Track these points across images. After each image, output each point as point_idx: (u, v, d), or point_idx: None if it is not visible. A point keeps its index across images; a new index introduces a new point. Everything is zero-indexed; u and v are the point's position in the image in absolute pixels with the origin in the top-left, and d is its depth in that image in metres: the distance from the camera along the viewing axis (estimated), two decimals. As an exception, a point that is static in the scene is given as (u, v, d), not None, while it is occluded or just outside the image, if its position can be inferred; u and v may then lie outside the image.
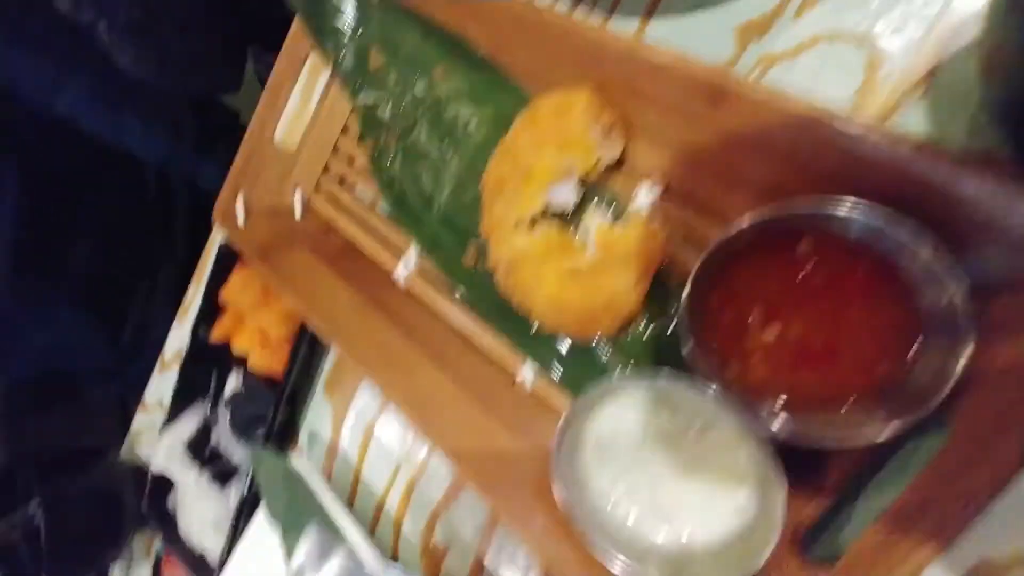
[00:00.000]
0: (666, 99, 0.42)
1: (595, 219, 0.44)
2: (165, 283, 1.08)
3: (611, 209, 0.46)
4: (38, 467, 0.80)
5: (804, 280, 0.37)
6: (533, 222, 0.46)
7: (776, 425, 0.36)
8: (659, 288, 0.44)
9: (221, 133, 1.05)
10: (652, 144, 0.45)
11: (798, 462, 0.38)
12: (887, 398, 0.35)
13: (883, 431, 0.33)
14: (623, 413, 0.42)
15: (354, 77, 0.59)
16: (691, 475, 0.40)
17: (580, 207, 0.47)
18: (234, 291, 0.63)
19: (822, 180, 0.37)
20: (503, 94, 0.51)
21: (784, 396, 0.37)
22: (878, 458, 0.38)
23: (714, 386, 0.37)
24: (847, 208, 0.33)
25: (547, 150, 0.44)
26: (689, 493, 0.40)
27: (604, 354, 0.46)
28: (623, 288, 0.41)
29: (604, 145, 0.44)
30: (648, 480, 0.41)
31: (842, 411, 0.36)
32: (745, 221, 0.35)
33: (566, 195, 0.45)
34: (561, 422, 0.40)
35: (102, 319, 1.06)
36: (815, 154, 0.36)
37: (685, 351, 0.37)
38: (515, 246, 0.44)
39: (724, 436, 0.39)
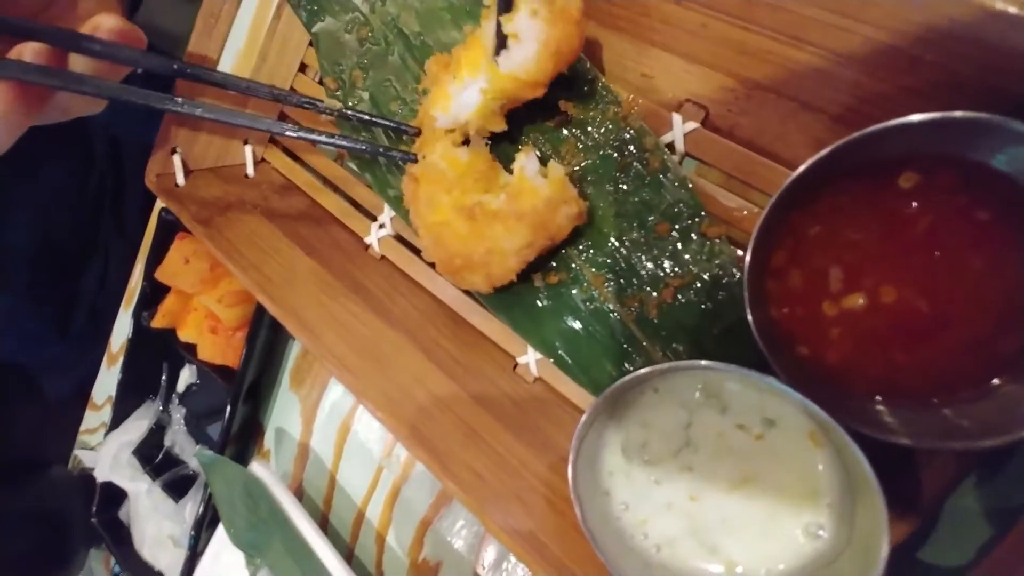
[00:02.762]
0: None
1: (529, 161, 0.35)
2: (119, 265, 0.97)
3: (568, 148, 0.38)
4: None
5: (904, 227, 0.27)
6: (464, 136, 0.37)
7: (870, 419, 0.27)
8: (696, 245, 0.34)
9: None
10: (690, 59, 0.35)
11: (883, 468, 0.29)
12: (1013, 385, 0.26)
13: (1006, 433, 0.24)
14: (658, 410, 0.33)
15: (308, -2, 0.48)
16: (746, 487, 0.31)
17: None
18: (173, 268, 0.52)
19: (933, 92, 0.28)
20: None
21: (876, 381, 0.28)
22: (991, 462, 0.30)
23: (777, 373, 0.28)
24: (983, 115, 0.23)
25: (483, 37, 0.34)
26: (743, 510, 0.31)
27: (629, 334, 0.37)
28: (505, 248, 0.34)
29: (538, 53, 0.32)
30: (689, 494, 0.32)
31: (952, 405, 0.27)
32: (828, 149, 0.26)
33: (468, 100, 0.35)
34: (582, 421, 0.31)
35: (47, 305, 0.94)
36: (944, 53, 0.26)
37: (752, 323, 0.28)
38: (433, 154, 0.36)
39: (792, 435, 0.30)
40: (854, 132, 0.30)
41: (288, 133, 0.39)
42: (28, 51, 0.35)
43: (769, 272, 0.30)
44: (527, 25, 0.32)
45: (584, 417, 0.31)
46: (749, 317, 0.28)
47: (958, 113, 0.23)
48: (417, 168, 0.38)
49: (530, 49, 0.31)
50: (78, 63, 0.38)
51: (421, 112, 0.37)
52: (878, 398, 0.28)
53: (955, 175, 0.26)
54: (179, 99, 0.38)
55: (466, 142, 0.37)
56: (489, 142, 0.38)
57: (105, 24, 0.38)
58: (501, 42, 0.33)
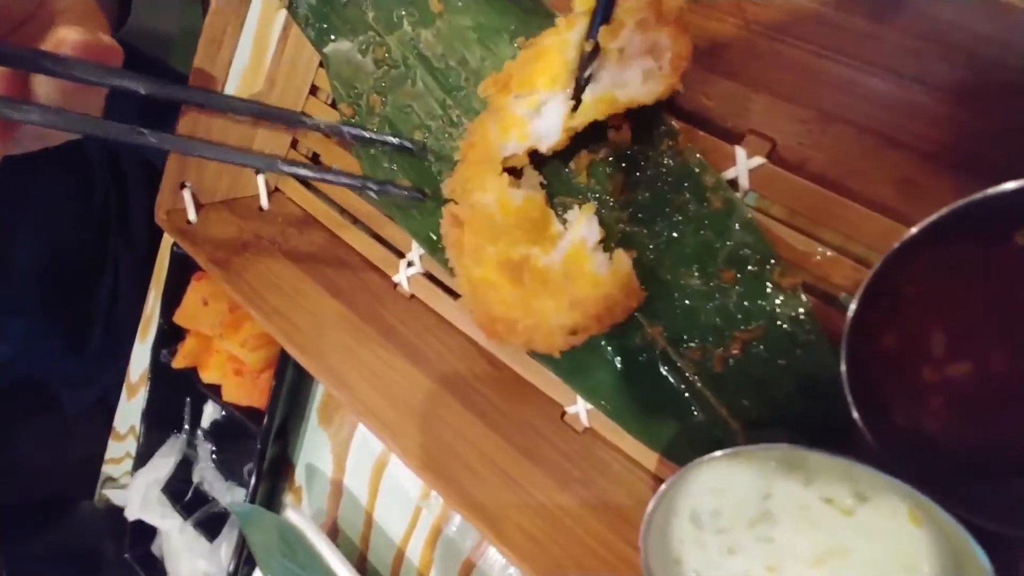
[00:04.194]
0: (789, 12, 0.28)
1: (589, 229, 0.31)
2: (129, 280, 0.95)
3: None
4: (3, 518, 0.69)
5: (1020, 288, 0.24)
6: (519, 174, 0.34)
7: (978, 504, 0.25)
8: (767, 294, 0.31)
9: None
10: (756, 87, 0.31)
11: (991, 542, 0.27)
12: None
13: None
14: (731, 478, 0.30)
15: (318, 16, 0.44)
16: (833, 561, 0.29)
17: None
18: (192, 312, 0.50)
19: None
20: (530, 26, 0.36)
21: (983, 457, 0.26)
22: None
23: (873, 446, 0.25)
24: None
25: (565, 31, 0.30)
26: (831, 584, 0.29)
27: (691, 387, 0.34)
28: (552, 326, 0.31)
29: (642, 67, 0.29)
30: (769, 563, 0.30)
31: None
32: (953, 207, 0.22)
33: (553, 118, 0.31)
34: (661, 489, 0.29)
35: (61, 323, 0.93)
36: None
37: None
38: (484, 195, 0.32)
39: (887, 512, 0.28)
40: (950, 172, 0.28)
41: (282, 168, 0.36)
42: None
43: (860, 333, 0.27)
44: (634, 39, 0.28)
45: (660, 491, 0.29)
46: (846, 387, 0.25)
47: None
48: (462, 210, 0.34)
49: (645, 65, 0.28)
50: (46, 87, 0.32)
51: (475, 135, 0.33)
52: (985, 476, 0.26)
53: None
54: (177, 135, 0.34)
55: (516, 175, 0.34)
56: (544, 183, 0.34)
57: (69, 38, 0.31)
58: (591, 55, 0.29)
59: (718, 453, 0.28)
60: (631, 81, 0.29)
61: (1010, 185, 0.21)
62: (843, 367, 0.25)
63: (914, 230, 0.23)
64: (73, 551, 0.66)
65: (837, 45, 0.28)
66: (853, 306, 0.24)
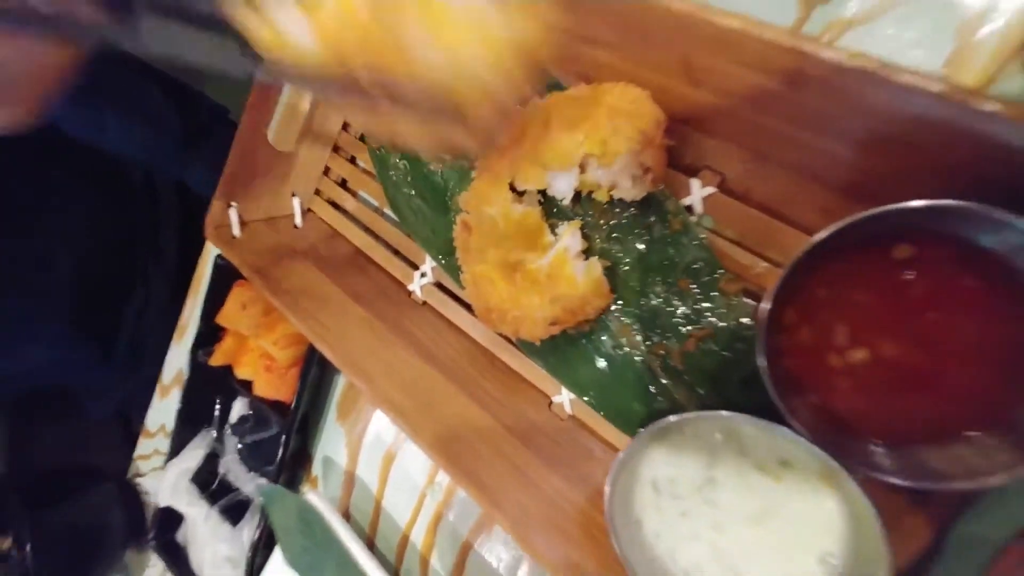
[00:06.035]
0: (728, 78, 0.35)
1: (573, 240, 0.39)
2: (158, 294, 1.02)
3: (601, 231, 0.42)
4: (31, 490, 0.76)
5: (901, 291, 0.31)
6: (522, 192, 0.41)
7: (872, 462, 0.31)
8: (716, 299, 0.38)
9: (207, 129, 0.97)
10: (708, 133, 0.39)
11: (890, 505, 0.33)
12: (1007, 433, 0.30)
13: (1002, 474, 0.28)
14: (684, 450, 0.36)
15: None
16: (765, 521, 0.35)
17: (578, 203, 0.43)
18: (232, 314, 0.57)
19: (924, 175, 0.31)
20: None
21: (878, 427, 0.32)
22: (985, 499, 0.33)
23: (787, 419, 0.32)
24: (968, 204, 0.27)
25: (577, 136, 0.37)
26: (763, 541, 0.35)
27: (656, 379, 0.41)
28: (536, 319, 0.38)
29: (631, 174, 0.38)
30: (713, 525, 0.36)
31: (952, 448, 0.31)
32: (843, 222, 0.29)
33: (563, 186, 0.39)
34: (617, 461, 0.35)
35: (91, 334, 0.99)
36: (934, 143, 0.30)
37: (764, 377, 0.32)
38: (491, 207, 0.40)
39: (806, 476, 0.34)
40: (857, 203, 0.35)
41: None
42: None
43: (781, 328, 0.33)
44: (627, 162, 0.37)
45: (619, 457, 0.35)
46: (762, 368, 0.32)
47: (949, 201, 0.27)
48: (472, 218, 0.41)
49: (633, 172, 0.37)
50: None
51: (489, 159, 0.41)
52: (879, 442, 0.32)
53: (947, 249, 0.30)
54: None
55: (519, 193, 0.42)
56: (542, 200, 0.42)
57: None
58: None
59: (672, 419, 0.34)
60: (622, 183, 0.38)
61: (881, 209, 0.28)
62: (760, 360, 0.32)
63: (814, 239, 0.30)
64: (89, 527, 0.72)
65: (773, 106, 0.35)
66: (766, 305, 0.31)
